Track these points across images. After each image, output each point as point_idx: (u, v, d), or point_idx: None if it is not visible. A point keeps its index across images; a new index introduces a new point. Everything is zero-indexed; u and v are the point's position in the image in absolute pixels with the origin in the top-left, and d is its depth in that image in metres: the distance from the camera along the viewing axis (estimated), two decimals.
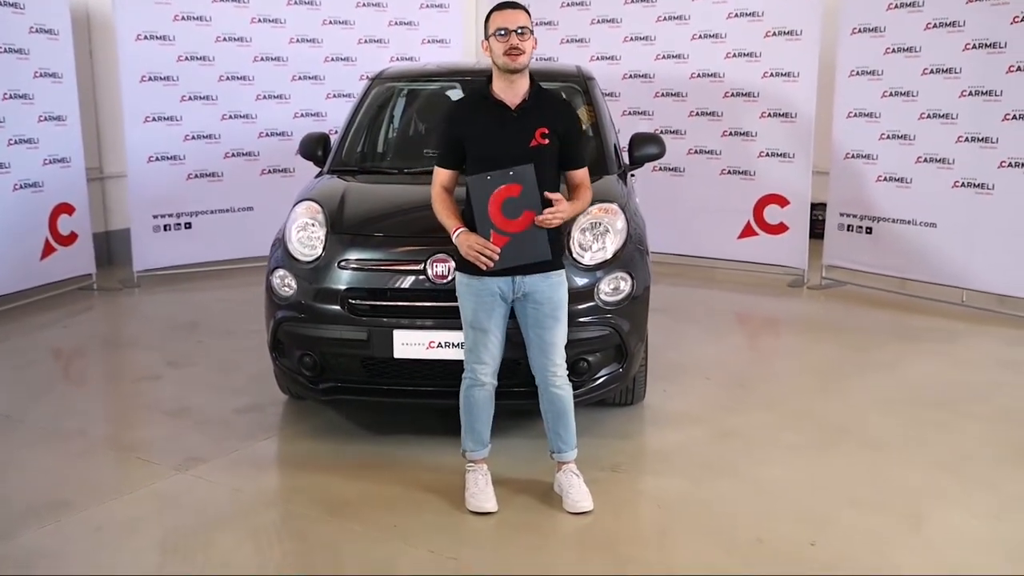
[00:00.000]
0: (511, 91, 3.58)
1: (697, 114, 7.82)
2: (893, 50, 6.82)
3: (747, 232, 7.70)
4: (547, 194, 3.46)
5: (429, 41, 8.68)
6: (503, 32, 3.48)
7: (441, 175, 3.69)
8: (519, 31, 3.48)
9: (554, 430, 3.75)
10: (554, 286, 3.60)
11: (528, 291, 3.57)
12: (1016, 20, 6.13)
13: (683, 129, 7.88)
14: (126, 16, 7.28)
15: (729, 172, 7.73)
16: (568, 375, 3.74)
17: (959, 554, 3.40)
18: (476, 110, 3.65)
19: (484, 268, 3.51)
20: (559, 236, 3.66)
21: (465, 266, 3.60)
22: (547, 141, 3.55)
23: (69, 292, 7.20)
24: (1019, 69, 6.15)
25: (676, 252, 7.90)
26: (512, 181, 3.42)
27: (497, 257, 3.47)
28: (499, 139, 3.55)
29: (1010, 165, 6.27)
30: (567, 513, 3.67)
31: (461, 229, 3.56)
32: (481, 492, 3.72)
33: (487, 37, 3.55)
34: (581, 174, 3.70)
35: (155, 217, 7.58)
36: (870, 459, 4.18)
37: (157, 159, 7.54)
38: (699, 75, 7.77)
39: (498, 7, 3.56)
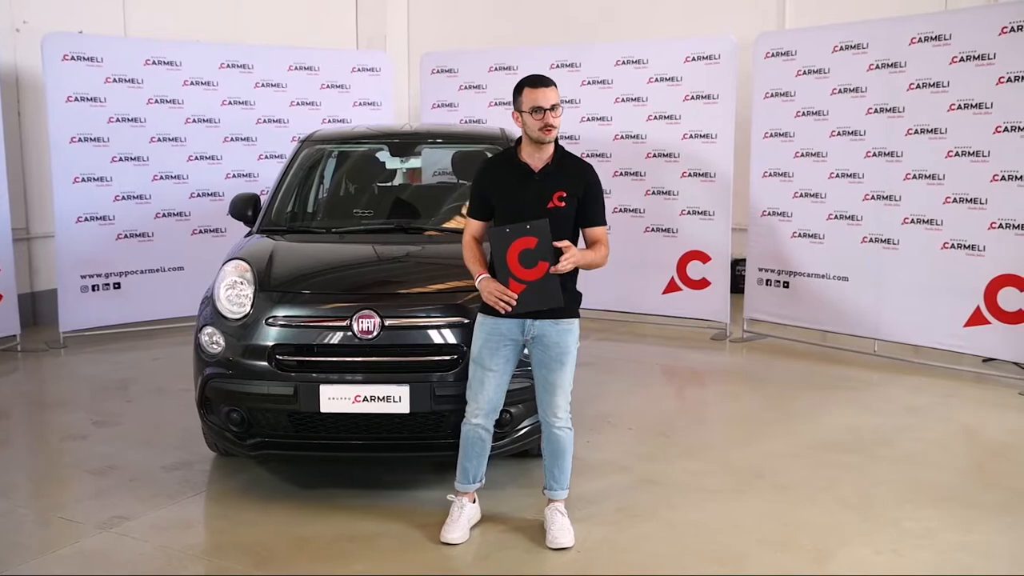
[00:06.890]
0: (536, 156, 3.84)
1: (621, 174, 8.10)
2: (803, 114, 7.20)
3: (671, 287, 7.95)
4: (555, 243, 3.67)
5: (360, 104, 8.86)
6: (539, 111, 3.70)
7: (471, 225, 3.94)
8: (553, 108, 3.72)
9: (549, 468, 3.95)
10: (563, 332, 3.82)
11: (537, 334, 3.80)
12: (912, 87, 6.54)
13: (608, 188, 8.04)
14: (56, 78, 7.32)
15: (653, 230, 8.00)
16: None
17: None
18: (503, 170, 3.90)
19: (503, 312, 3.73)
20: (574, 288, 3.89)
21: (485, 308, 3.84)
22: (564, 204, 3.80)
23: None
24: (917, 132, 6.54)
25: (603, 308, 8.11)
26: (529, 234, 3.68)
27: (515, 303, 3.70)
28: (521, 199, 3.80)
29: (912, 221, 6.62)
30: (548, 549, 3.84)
31: (484, 275, 3.81)
32: (451, 523, 3.93)
33: (519, 110, 3.77)
34: (598, 231, 3.91)
35: (83, 277, 7.54)
36: (781, 500, 4.36)
37: (86, 219, 7.54)
38: (622, 136, 8.07)
39: (531, 83, 3.77)
